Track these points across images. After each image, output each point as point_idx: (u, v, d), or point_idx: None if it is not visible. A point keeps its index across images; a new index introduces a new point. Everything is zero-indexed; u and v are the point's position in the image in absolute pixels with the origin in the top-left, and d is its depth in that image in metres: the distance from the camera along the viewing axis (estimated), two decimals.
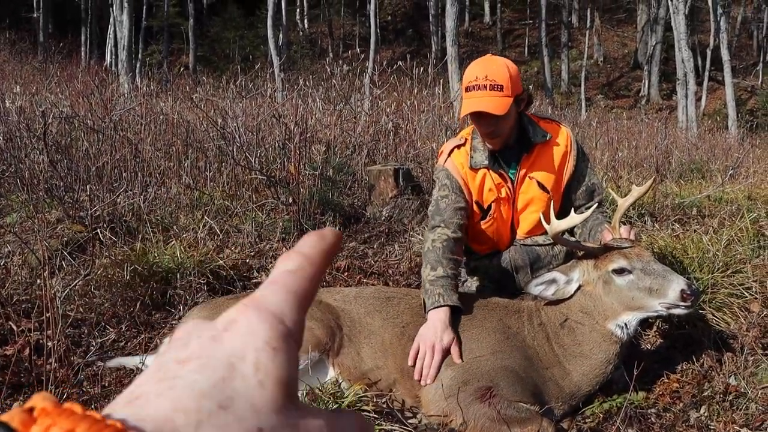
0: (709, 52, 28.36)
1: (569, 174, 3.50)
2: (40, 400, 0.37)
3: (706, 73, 29.21)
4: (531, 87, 21.34)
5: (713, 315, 3.67)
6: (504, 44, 40.32)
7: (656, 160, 9.94)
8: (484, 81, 3.24)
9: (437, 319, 2.97)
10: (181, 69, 17.11)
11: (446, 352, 2.92)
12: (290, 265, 0.47)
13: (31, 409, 0.36)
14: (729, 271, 3.98)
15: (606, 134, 11.90)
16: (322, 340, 2.87)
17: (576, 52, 37.77)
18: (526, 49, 39.94)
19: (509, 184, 3.47)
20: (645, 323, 3.72)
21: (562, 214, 3.20)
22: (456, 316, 3.06)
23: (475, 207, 3.51)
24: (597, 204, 3.45)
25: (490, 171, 3.45)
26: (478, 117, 3.29)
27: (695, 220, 5.96)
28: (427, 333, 2.93)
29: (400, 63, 10.63)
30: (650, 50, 33.36)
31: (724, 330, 3.56)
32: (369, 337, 2.99)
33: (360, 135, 7.98)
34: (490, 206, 3.49)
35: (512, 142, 3.48)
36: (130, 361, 3.20)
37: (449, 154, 3.53)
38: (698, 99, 25.16)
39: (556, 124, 3.58)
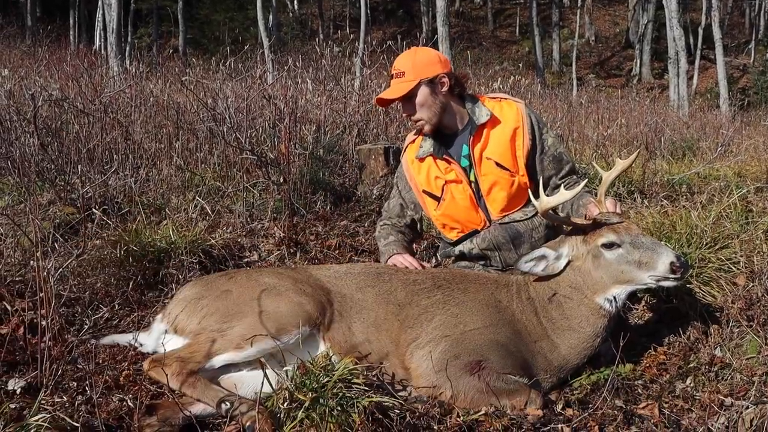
0: (700, 31, 28.36)
1: (526, 149, 3.51)
2: None
3: (698, 52, 29.20)
4: (521, 66, 21.27)
5: (700, 289, 3.71)
6: (495, 24, 40.20)
7: (646, 138, 9.97)
8: (392, 71, 3.48)
9: (397, 257, 3.56)
10: (171, 52, 17.04)
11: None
12: None
13: None
14: (717, 246, 4.00)
15: (596, 112, 11.92)
16: (313, 315, 2.90)
17: (567, 31, 37.69)
18: (518, 28, 39.79)
19: (457, 167, 3.53)
20: (633, 297, 3.76)
21: (537, 189, 3.21)
22: None
23: (426, 197, 3.64)
24: (583, 179, 3.45)
25: (436, 158, 3.56)
26: (401, 104, 3.57)
27: (684, 197, 5.99)
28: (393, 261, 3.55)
29: (390, 43, 10.53)
30: (642, 29, 33.30)
31: (710, 303, 3.60)
32: (360, 312, 3.03)
33: (350, 115, 7.97)
34: (443, 191, 3.57)
35: (459, 126, 3.58)
36: (123, 339, 3.23)
37: (405, 150, 3.77)
38: (690, 77, 25.17)
39: (506, 100, 3.61)
